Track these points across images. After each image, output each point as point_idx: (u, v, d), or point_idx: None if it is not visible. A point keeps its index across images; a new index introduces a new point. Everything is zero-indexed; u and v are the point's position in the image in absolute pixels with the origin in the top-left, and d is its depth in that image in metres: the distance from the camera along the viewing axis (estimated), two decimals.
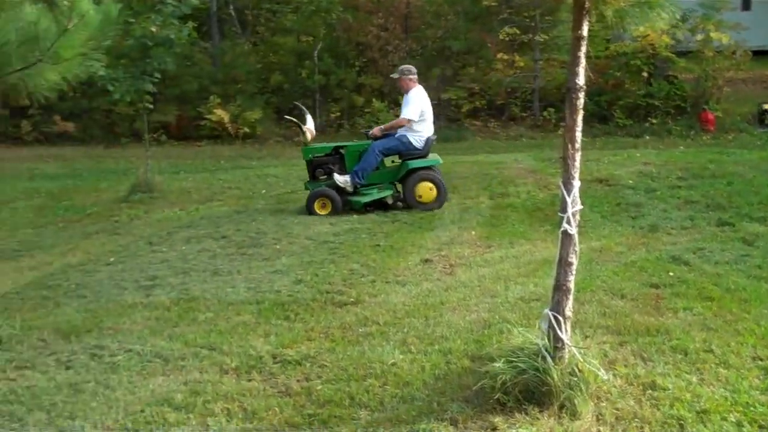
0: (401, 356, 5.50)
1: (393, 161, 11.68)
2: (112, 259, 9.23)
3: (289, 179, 14.93)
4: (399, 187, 11.43)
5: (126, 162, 19.57)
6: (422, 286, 7.34)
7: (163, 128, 22.77)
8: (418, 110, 11.08)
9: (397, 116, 11.75)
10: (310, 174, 11.51)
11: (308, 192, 11.25)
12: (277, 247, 9.28)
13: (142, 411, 4.74)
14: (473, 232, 9.63)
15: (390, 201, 11.33)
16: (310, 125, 11.65)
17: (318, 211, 10.94)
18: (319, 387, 5.04)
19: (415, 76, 11.29)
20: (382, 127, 11.46)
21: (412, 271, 7.94)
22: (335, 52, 25.26)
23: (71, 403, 4.95)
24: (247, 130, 22.91)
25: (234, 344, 5.91)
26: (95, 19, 5.58)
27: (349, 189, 11.07)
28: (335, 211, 10.94)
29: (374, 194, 11.18)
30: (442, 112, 24.19)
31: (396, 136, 11.18)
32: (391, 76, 12.00)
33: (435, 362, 5.35)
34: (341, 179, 11.03)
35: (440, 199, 11.17)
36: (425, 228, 10.10)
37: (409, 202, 11.13)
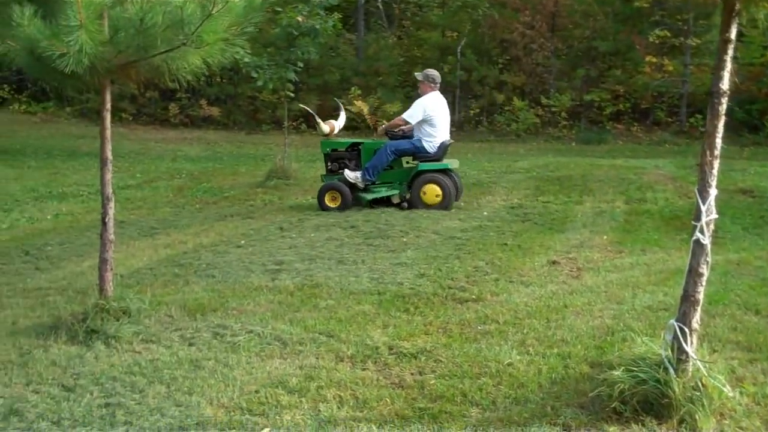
0: (518, 357, 5.40)
1: (408, 162, 11.78)
2: (242, 242, 9.45)
3: None
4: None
5: (265, 148, 20.05)
6: (546, 288, 7.20)
7: (303, 117, 23.21)
8: (419, 114, 11.20)
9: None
10: (326, 167, 11.79)
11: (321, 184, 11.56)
12: (404, 239, 9.29)
13: (257, 392, 4.80)
14: (605, 237, 9.38)
15: (396, 200, 11.60)
16: (338, 121, 12.04)
17: (328, 204, 11.22)
18: (433, 381, 5.00)
19: (436, 84, 11.45)
20: (385, 125, 11.90)
21: (538, 272, 7.80)
22: (479, 48, 25.16)
23: (190, 379, 5.07)
24: (385, 122, 23.04)
25: (352, 333, 5.94)
26: (239, 6, 5.71)
27: (360, 185, 11.31)
28: (345, 206, 11.17)
29: (382, 192, 11.44)
30: (583, 113, 23.75)
31: (411, 139, 11.37)
32: (415, 74, 12.05)
33: (552, 366, 5.22)
34: (352, 175, 11.27)
35: (444, 202, 11.18)
36: (555, 229, 9.92)
37: (413, 203, 11.24)
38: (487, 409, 4.61)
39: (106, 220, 6.17)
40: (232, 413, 4.50)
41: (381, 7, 27.23)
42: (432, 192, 11.13)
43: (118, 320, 6.03)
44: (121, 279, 7.53)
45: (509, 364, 5.26)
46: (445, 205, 11.14)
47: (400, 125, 11.37)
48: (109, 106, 6.13)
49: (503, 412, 4.54)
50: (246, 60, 13.55)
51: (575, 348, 5.55)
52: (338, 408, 4.62)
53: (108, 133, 6.08)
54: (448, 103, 11.97)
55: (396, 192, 11.44)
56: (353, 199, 11.24)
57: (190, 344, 5.78)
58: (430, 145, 11.23)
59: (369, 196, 11.27)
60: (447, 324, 6.17)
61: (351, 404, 4.67)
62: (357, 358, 5.44)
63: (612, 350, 5.40)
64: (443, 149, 11.33)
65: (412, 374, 5.16)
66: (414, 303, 6.72)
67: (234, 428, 4.30)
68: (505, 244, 9.01)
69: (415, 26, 27.67)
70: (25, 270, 8.66)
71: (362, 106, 22.79)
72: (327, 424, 4.39)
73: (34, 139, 20.69)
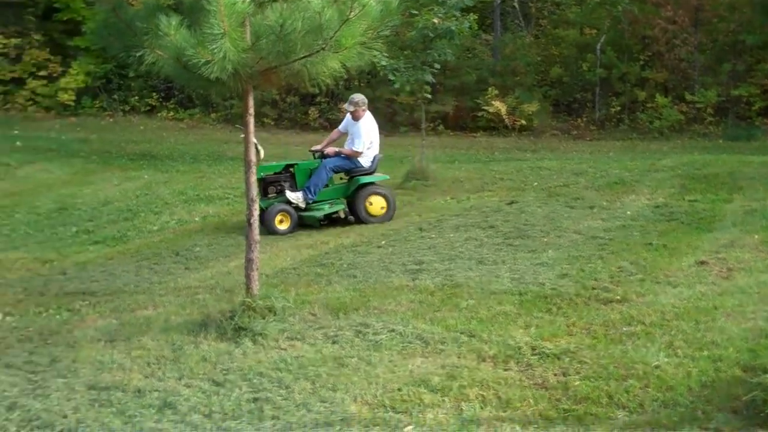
0: (666, 359, 5.25)
1: (341, 178, 11.71)
2: (383, 243, 9.54)
3: (563, 172, 14.76)
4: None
5: (403, 150, 20.13)
6: (695, 289, 6.96)
7: (441, 118, 23.25)
8: (368, 140, 11.33)
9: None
10: (261, 192, 11.07)
11: (264, 210, 10.76)
12: (545, 239, 9.17)
13: (400, 390, 4.84)
14: (756, 236, 8.99)
15: (342, 215, 11.46)
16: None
17: (277, 227, 10.85)
18: (577, 383, 4.92)
19: (366, 105, 11.51)
20: (337, 150, 11.53)
21: (685, 273, 7.55)
22: (619, 45, 24.60)
23: (334, 376, 5.16)
24: (523, 122, 22.91)
25: (493, 333, 5.91)
26: (375, 10, 5.77)
27: (302, 205, 11.08)
28: (293, 226, 10.95)
29: (326, 209, 11.23)
30: (730, 109, 22.90)
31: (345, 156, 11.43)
32: (345, 107, 11.97)
33: (703, 369, 5.05)
34: (293, 196, 11.04)
35: (389, 212, 11.34)
36: (703, 228, 9.59)
37: (359, 216, 11.24)
38: (635, 412, 4.51)
39: (251, 221, 6.35)
40: (376, 410, 4.56)
41: (517, 6, 26.97)
42: (378, 203, 11.30)
43: (264, 318, 6.20)
44: (266, 278, 7.72)
45: (657, 367, 5.12)
46: (389, 215, 11.33)
47: (356, 156, 11.35)
48: (252, 110, 6.32)
49: (651, 416, 4.44)
50: (383, 63, 13.67)
51: (726, 351, 5.35)
52: (481, 408, 4.61)
53: (252, 137, 6.26)
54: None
55: (340, 207, 11.39)
56: (299, 219, 11.08)
57: (334, 342, 5.89)
58: (367, 160, 11.40)
59: (317, 215, 11.17)
60: (591, 325, 6.06)
61: (494, 404, 4.66)
62: (499, 358, 5.42)
63: (766, 353, 5.19)
64: (376, 163, 11.58)
65: (555, 375, 5.10)
66: (556, 303, 6.64)
67: (378, 425, 4.35)
68: (650, 243, 8.76)
69: (552, 24, 27.30)
70: (175, 269, 9.01)
71: (500, 107, 22.65)
72: (470, 424, 4.39)
73: (181, 144, 21.48)
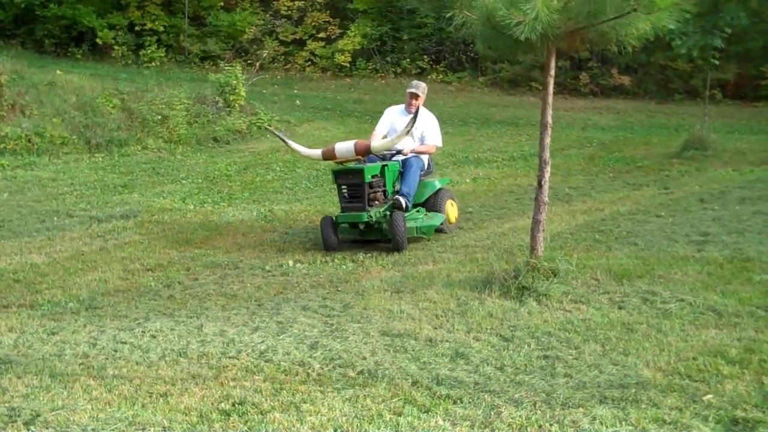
0: None
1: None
2: (662, 213, 9.32)
3: None
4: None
5: (678, 118, 19.48)
6: None
7: (720, 86, 22.15)
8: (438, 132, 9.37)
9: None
10: (365, 199, 8.51)
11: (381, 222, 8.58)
12: None
13: (695, 359, 4.75)
14: None
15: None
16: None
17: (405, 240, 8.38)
18: None
19: None
20: (415, 148, 9.11)
21: None
22: None
23: (624, 340, 5.15)
24: None
25: None
26: None
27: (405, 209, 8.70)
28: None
29: (421, 219, 8.87)
30: None
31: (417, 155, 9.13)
32: (413, 89, 9.20)
33: None
34: (404, 200, 8.65)
35: (458, 222, 9.40)
36: None
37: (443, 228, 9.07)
38: None
39: (542, 182, 6.40)
40: (671, 377, 4.50)
41: None
42: (454, 211, 9.37)
43: (547, 279, 6.26)
44: (544, 241, 7.79)
45: None
46: (457, 223, 9.41)
47: (431, 152, 9.40)
48: (552, 72, 6.36)
49: None
50: (671, 27, 13.18)
51: None
52: None
53: (550, 99, 6.31)
54: None
55: (441, 219, 9.03)
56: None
57: (620, 308, 5.86)
58: (427, 158, 9.39)
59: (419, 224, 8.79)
60: None
61: None
62: None
63: None
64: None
65: None
66: None
67: (675, 391, 4.30)
68: None
69: None
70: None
71: None
72: None
73: (450, 107, 21.83)
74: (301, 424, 4.07)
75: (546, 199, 6.49)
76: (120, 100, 16.59)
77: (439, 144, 9.39)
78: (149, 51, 25.79)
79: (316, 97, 23.23)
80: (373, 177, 8.57)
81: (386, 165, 8.81)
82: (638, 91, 23.86)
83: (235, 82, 17.97)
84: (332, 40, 26.94)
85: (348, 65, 26.48)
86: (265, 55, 26.24)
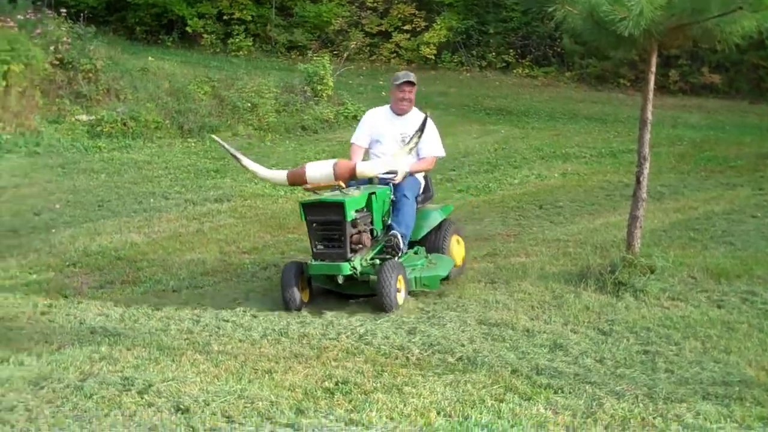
0: None
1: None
2: (758, 214, 9.17)
3: None
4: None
5: None
6: None
7: None
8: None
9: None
10: (348, 243, 6.12)
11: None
12: None
13: None
14: None
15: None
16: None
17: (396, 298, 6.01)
18: None
19: None
20: (412, 167, 6.86)
21: None
22: None
23: (725, 339, 5.13)
24: None
25: None
26: None
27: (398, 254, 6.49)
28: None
29: (421, 264, 6.62)
30: None
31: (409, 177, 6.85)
32: (402, 80, 7.09)
33: None
34: (400, 240, 6.45)
35: (465, 263, 7.17)
36: None
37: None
38: None
39: (641, 178, 6.40)
40: None
41: None
42: (461, 249, 7.14)
43: (644, 275, 6.26)
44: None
45: None
46: (463, 266, 7.15)
47: (431, 167, 7.23)
48: (653, 68, 6.32)
49: None
50: None
51: None
52: None
53: (650, 95, 6.28)
54: None
55: (450, 266, 6.80)
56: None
57: (719, 306, 5.84)
58: (421, 177, 7.18)
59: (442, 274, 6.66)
60: None
61: None
62: None
63: None
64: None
65: None
66: None
67: None
68: None
69: None
70: (539, 223, 9.24)
71: None
72: None
73: (536, 101, 21.66)
74: (404, 405, 4.16)
75: (644, 195, 6.50)
76: (211, 87, 16.89)
77: (442, 154, 7.18)
78: (237, 40, 26.15)
79: None
80: (357, 212, 6.21)
81: (373, 192, 6.43)
82: (729, 90, 23.31)
83: (323, 72, 18.14)
84: (417, 33, 26.96)
85: (433, 58, 26.45)
86: (352, 46, 26.40)
